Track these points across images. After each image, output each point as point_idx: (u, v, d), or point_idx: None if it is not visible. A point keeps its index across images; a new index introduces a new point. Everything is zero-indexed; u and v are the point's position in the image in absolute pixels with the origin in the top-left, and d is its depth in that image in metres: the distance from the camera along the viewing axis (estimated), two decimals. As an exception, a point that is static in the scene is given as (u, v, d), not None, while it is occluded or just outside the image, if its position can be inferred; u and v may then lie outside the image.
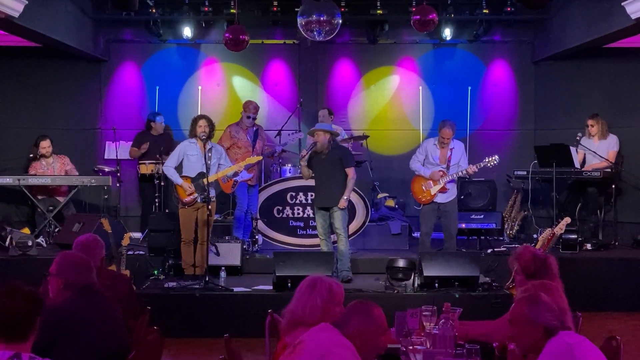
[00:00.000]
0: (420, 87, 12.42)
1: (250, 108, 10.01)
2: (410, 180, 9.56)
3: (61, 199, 10.66)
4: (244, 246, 9.63)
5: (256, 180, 10.21)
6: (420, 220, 9.55)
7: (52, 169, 10.75)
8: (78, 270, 4.48)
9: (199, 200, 8.62)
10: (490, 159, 9.22)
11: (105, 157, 11.95)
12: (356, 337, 3.52)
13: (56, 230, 10.26)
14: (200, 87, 12.33)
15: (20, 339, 3.22)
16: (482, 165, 9.24)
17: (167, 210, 10.61)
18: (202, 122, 8.73)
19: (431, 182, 9.22)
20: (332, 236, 9.02)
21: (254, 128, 10.12)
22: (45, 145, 10.72)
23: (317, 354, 3.39)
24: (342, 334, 3.52)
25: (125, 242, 8.31)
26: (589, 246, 9.90)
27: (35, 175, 10.54)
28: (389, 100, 12.59)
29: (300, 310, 4.01)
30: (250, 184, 9.98)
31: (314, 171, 8.88)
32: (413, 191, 9.47)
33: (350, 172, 8.87)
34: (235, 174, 9.05)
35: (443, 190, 9.21)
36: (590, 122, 10.58)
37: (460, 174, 9.29)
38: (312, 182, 9.66)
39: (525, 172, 10.83)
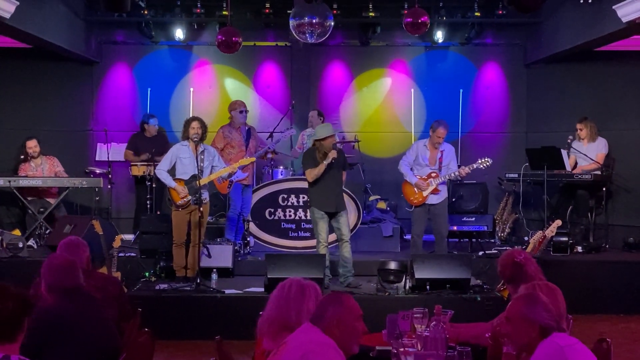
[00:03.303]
0: (412, 90, 12.44)
1: (239, 103, 10.13)
2: (402, 182, 9.54)
3: (51, 201, 10.63)
4: (236, 248, 9.62)
5: (251, 180, 10.22)
6: (411, 223, 9.55)
7: (41, 170, 10.71)
8: (60, 273, 4.48)
9: (192, 203, 8.61)
10: (482, 160, 9.24)
11: (97, 158, 11.92)
12: (334, 328, 3.55)
13: (47, 232, 10.23)
14: (192, 89, 12.32)
15: (7, 339, 3.21)
16: (474, 167, 9.26)
17: (158, 212, 10.59)
18: (194, 124, 8.71)
19: (424, 183, 9.21)
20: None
21: (246, 128, 10.15)
22: (32, 145, 10.66)
23: (299, 354, 3.40)
24: (320, 328, 3.54)
25: (117, 244, 8.30)
26: (579, 249, 9.93)
27: (26, 177, 10.49)
28: (380, 103, 12.62)
29: (294, 316, 3.97)
30: (246, 183, 9.99)
31: (322, 175, 8.58)
32: (405, 193, 9.45)
33: (345, 175, 8.96)
34: (230, 175, 9.06)
35: (435, 191, 9.22)
36: (579, 125, 10.61)
37: (452, 175, 9.30)
38: (304, 185, 9.68)
39: (516, 175, 10.86)
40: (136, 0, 10.60)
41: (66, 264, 4.55)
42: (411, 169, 9.35)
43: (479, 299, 8.01)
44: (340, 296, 3.71)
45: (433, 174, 9.23)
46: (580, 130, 10.59)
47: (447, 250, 9.58)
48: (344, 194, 9.19)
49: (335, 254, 9.09)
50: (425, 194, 9.21)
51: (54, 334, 4.21)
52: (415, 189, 9.26)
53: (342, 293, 3.80)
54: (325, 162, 8.47)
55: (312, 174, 8.61)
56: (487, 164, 9.23)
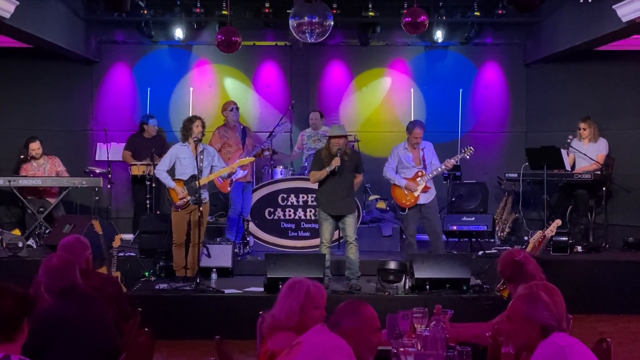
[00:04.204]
0: (412, 89, 12.44)
1: (229, 102, 10.25)
2: (390, 187, 9.50)
3: (51, 200, 10.62)
4: (235, 248, 9.62)
5: (251, 177, 10.24)
6: (404, 224, 9.53)
7: (43, 170, 10.70)
8: (55, 274, 4.49)
9: (191, 203, 8.61)
10: (466, 149, 9.28)
11: (97, 158, 11.92)
12: (349, 337, 3.54)
13: (47, 231, 10.22)
14: (191, 89, 12.32)
15: (7, 339, 3.20)
16: (459, 157, 9.32)
17: (158, 212, 10.59)
18: (199, 123, 8.74)
19: (414, 184, 9.19)
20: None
21: (241, 127, 10.17)
22: (35, 147, 10.65)
23: (313, 357, 3.39)
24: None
25: (116, 243, 8.32)
26: (579, 248, 9.92)
27: (26, 176, 10.49)
28: (380, 102, 12.62)
29: (278, 314, 4.00)
30: (246, 181, 10.00)
31: (328, 176, 8.49)
32: (395, 197, 9.39)
33: (360, 178, 8.84)
34: (229, 174, 9.06)
35: (425, 189, 9.21)
36: (582, 125, 10.58)
37: (439, 170, 9.28)
38: (303, 184, 9.71)
39: (516, 175, 10.85)
40: (136, 0, 10.59)
41: (61, 264, 4.55)
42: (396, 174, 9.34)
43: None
44: (359, 306, 3.68)
45: (420, 173, 9.21)
46: (584, 129, 10.55)
47: (444, 248, 9.58)
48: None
49: (336, 254, 9.09)
50: (416, 194, 9.19)
51: (54, 335, 4.21)
52: (406, 191, 9.23)
53: (361, 302, 3.75)
54: (328, 169, 8.38)
55: (314, 177, 8.60)
56: (471, 152, 9.27)
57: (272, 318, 4.06)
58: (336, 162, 8.33)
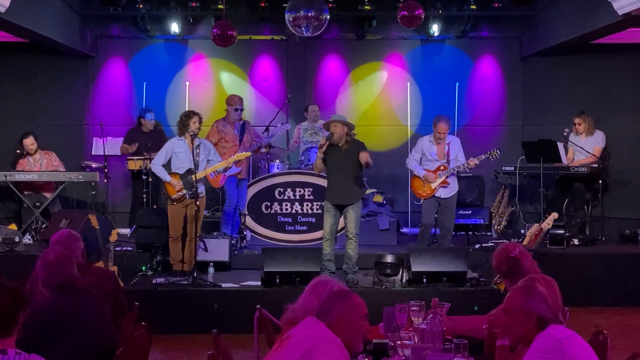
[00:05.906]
0: (408, 83, 12.43)
1: (236, 100, 10.05)
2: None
3: (48, 195, 10.61)
4: (232, 242, 9.62)
5: (245, 174, 10.21)
6: (421, 213, 9.50)
7: (39, 165, 10.69)
8: (53, 269, 4.48)
9: (187, 197, 8.60)
10: (492, 151, 9.23)
11: (93, 153, 11.86)
12: (340, 323, 3.56)
13: (43, 226, 10.22)
14: (188, 83, 12.29)
15: (4, 333, 3.20)
16: (483, 158, 9.24)
17: (155, 207, 10.59)
18: (196, 119, 8.71)
19: (432, 175, 9.19)
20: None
21: (241, 122, 10.13)
22: (29, 143, 10.63)
23: (303, 349, 3.40)
24: (325, 324, 3.55)
25: (113, 238, 8.31)
26: (576, 241, 9.93)
27: (23, 171, 10.48)
28: (377, 96, 12.60)
29: (298, 309, 4.02)
30: (240, 177, 9.97)
31: (329, 165, 8.47)
32: (412, 187, 9.46)
33: (366, 154, 8.31)
34: (225, 169, 9.04)
35: (444, 184, 9.21)
36: (576, 120, 10.59)
37: (461, 167, 9.27)
38: (300, 178, 9.69)
39: (512, 168, 10.84)
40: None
41: (59, 259, 4.54)
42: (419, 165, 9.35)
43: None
44: (347, 294, 3.74)
45: (442, 167, 9.22)
46: (579, 124, 10.56)
47: (450, 244, 9.55)
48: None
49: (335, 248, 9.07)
50: (433, 186, 9.20)
51: (51, 329, 4.21)
52: (424, 182, 9.24)
53: (349, 291, 3.83)
54: (318, 154, 8.46)
55: (314, 164, 8.70)
56: (497, 155, 9.23)
57: (292, 312, 4.08)
58: (322, 142, 8.41)
